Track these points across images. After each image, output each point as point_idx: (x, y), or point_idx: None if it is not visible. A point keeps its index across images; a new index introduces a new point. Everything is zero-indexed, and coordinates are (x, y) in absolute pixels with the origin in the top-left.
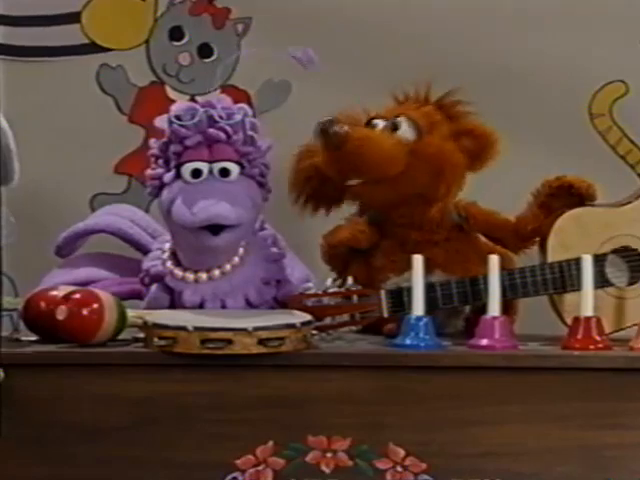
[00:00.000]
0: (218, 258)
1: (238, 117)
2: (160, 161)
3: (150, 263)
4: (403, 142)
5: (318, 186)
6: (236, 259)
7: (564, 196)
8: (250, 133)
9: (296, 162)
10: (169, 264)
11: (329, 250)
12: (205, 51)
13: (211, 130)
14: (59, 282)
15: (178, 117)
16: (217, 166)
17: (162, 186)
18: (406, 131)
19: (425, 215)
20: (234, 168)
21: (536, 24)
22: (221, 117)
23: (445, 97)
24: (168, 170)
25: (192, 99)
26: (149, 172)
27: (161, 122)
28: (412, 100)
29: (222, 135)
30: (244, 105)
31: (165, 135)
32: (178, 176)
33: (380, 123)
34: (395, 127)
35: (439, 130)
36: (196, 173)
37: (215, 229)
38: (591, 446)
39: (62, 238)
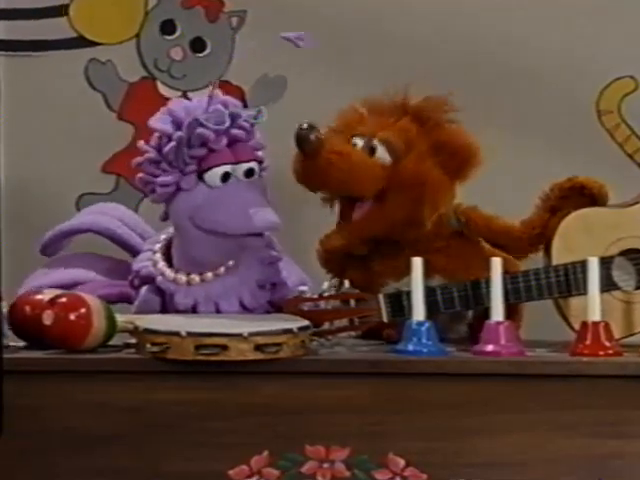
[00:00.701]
0: (228, 254)
1: (251, 113)
2: (163, 164)
3: (140, 264)
4: (380, 165)
5: None
6: (230, 261)
7: (575, 198)
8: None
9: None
10: (160, 265)
11: (326, 254)
12: (198, 45)
13: (235, 130)
14: (43, 283)
15: (198, 120)
16: (242, 167)
17: (176, 192)
18: (382, 155)
19: (417, 233)
20: (257, 168)
21: (541, 19)
22: (240, 115)
23: (422, 105)
24: (182, 174)
25: (184, 95)
26: (162, 179)
27: (161, 124)
28: (389, 110)
29: (244, 135)
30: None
31: (171, 138)
32: (198, 181)
33: (359, 142)
34: (372, 150)
35: (417, 148)
36: (225, 177)
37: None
38: (599, 456)
39: (47, 237)
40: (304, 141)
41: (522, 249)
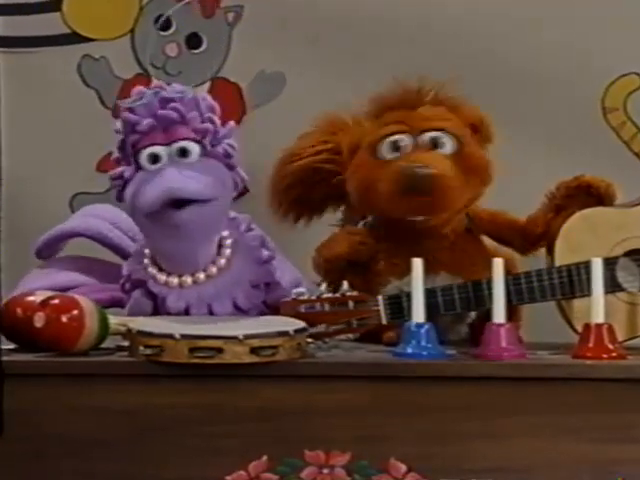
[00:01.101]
0: (192, 245)
1: (189, 95)
2: (122, 162)
3: (131, 268)
4: (448, 160)
5: (302, 193)
6: (222, 261)
7: (582, 197)
8: (208, 114)
9: (279, 168)
10: (151, 268)
11: (325, 264)
12: (194, 41)
13: (163, 111)
14: (36, 287)
15: (127, 103)
16: (175, 147)
17: (125, 185)
18: (447, 146)
19: (448, 223)
20: (193, 147)
21: (545, 14)
22: (172, 97)
23: (444, 91)
24: (128, 165)
25: None
26: (109, 174)
27: (118, 122)
28: (417, 100)
29: (175, 115)
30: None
31: (120, 132)
32: (138, 169)
33: (406, 139)
34: (435, 144)
35: (465, 133)
36: (154, 158)
37: (179, 206)
38: (603, 461)
39: (42, 241)
40: (418, 179)
41: (527, 245)
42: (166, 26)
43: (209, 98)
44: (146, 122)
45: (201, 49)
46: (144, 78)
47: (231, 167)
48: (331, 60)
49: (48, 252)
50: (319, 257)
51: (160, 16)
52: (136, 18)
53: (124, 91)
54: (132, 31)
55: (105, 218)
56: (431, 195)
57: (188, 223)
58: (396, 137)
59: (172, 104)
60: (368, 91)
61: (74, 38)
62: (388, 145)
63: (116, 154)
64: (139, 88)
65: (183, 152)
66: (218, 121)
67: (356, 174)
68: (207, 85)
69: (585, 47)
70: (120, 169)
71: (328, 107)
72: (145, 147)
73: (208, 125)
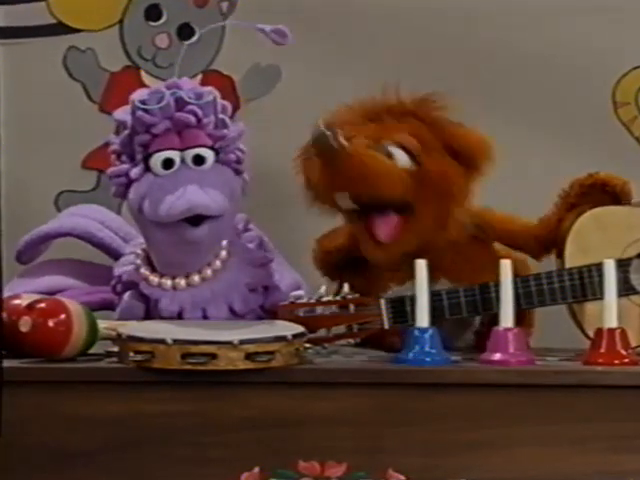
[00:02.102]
0: (199, 256)
1: (209, 98)
2: (124, 157)
3: (122, 269)
4: (404, 170)
5: None
6: (218, 263)
7: (596, 195)
8: (222, 116)
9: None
10: (143, 270)
11: (324, 256)
12: (185, 32)
13: (180, 114)
14: (22, 291)
15: (143, 102)
16: (190, 153)
17: (129, 184)
18: (402, 159)
19: (444, 239)
20: (209, 155)
21: (553, 6)
22: (190, 98)
23: (423, 103)
24: (134, 165)
25: None
26: (112, 170)
27: (122, 114)
28: (383, 112)
29: (192, 119)
30: (212, 88)
31: (127, 127)
32: (146, 170)
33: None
34: (388, 155)
35: (433, 148)
36: (167, 163)
37: (195, 221)
38: (615, 472)
39: (23, 242)
40: (328, 146)
41: (541, 250)
42: (157, 16)
43: (219, 97)
44: (162, 125)
45: (193, 40)
46: (132, 71)
47: (239, 172)
48: (329, 53)
49: (30, 255)
50: (319, 248)
51: (150, 6)
52: (125, 8)
53: (111, 84)
54: (121, 22)
55: (93, 218)
56: (341, 158)
57: (202, 239)
58: None
59: (189, 107)
60: (366, 84)
61: (60, 29)
62: None
63: (116, 146)
64: (156, 87)
65: (198, 160)
66: (229, 123)
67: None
68: (199, 78)
69: (594, 40)
70: (124, 167)
71: (325, 102)
72: (159, 150)
73: (223, 131)
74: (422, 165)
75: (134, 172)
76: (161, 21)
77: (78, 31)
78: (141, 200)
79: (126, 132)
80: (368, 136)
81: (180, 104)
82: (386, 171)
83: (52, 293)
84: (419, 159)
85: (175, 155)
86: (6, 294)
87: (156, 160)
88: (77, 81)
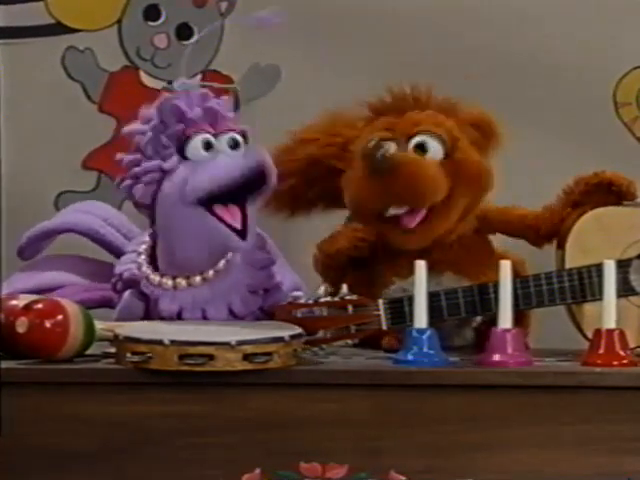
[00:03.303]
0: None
1: (225, 97)
2: (149, 153)
3: (123, 267)
4: (438, 164)
5: (301, 185)
6: (220, 263)
7: (601, 194)
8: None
9: (281, 154)
10: (144, 268)
11: (325, 260)
12: (184, 32)
13: (209, 103)
14: (21, 287)
15: (167, 97)
16: (225, 137)
17: (161, 178)
18: (436, 151)
19: (465, 228)
20: (241, 140)
21: (554, 7)
22: (210, 95)
23: (438, 96)
24: (164, 158)
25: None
26: (139, 169)
27: (134, 126)
28: (402, 105)
29: (221, 108)
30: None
31: (141, 134)
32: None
33: (392, 145)
34: (424, 149)
35: (459, 138)
36: (207, 146)
37: (248, 188)
38: (613, 473)
39: (26, 238)
40: (378, 158)
41: (541, 238)
42: (155, 16)
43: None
44: (197, 111)
45: (191, 40)
46: (131, 71)
47: None
48: (329, 54)
49: (32, 250)
50: (320, 253)
51: (149, 6)
52: (123, 8)
53: (110, 84)
54: (119, 22)
55: (96, 214)
56: (395, 175)
57: (242, 249)
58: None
59: (214, 99)
60: (366, 87)
61: (58, 29)
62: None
63: (133, 158)
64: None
65: (234, 143)
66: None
67: (350, 185)
68: (198, 78)
69: (595, 39)
70: (153, 162)
71: (325, 103)
72: (196, 134)
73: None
74: (453, 155)
75: (168, 164)
76: (160, 21)
77: (77, 31)
78: (182, 185)
79: (149, 135)
80: (399, 129)
81: (205, 97)
82: (433, 178)
83: (52, 289)
84: (450, 149)
85: (212, 139)
86: (6, 288)
87: (195, 144)
88: (76, 81)
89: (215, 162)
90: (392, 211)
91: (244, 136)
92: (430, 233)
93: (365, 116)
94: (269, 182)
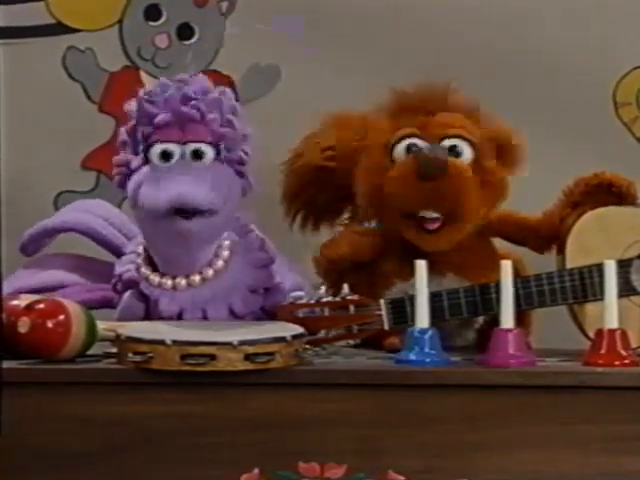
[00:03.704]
0: (192, 253)
1: (214, 95)
2: (127, 147)
3: (123, 268)
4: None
5: (307, 194)
6: (219, 263)
7: (601, 195)
8: (228, 116)
9: (285, 171)
10: (144, 269)
11: (328, 265)
12: (185, 32)
13: (183, 108)
14: (23, 285)
15: (148, 94)
16: (189, 148)
17: (130, 174)
18: (467, 156)
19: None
20: (208, 151)
21: (554, 7)
22: (195, 94)
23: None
24: (136, 155)
25: None
26: (115, 159)
27: (131, 106)
28: (437, 104)
29: (195, 114)
30: (226, 88)
31: (132, 118)
32: (146, 161)
33: (419, 143)
34: (455, 152)
35: (484, 145)
36: (165, 155)
37: (187, 215)
38: (614, 473)
39: (27, 235)
40: (431, 159)
41: (542, 243)
42: (156, 16)
43: (232, 98)
44: (164, 117)
45: (192, 40)
46: (132, 71)
47: (242, 174)
48: (329, 53)
49: (33, 248)
50: (322, 257)
51: (150, 6)
52: (124, 8)
53: (111, 84)
54: (120, 22)
55: (97, 214)
56: (445, 183)
57: (194, 234)
58: (414, 141)
59: (194, 102)
60: (367, 84)
61: (59, 28)
62: (404, 148)
63: (124, 137)
64: (163, 79)
65: (197, 154)
66: (238, 124)
67: (368, 175)
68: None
69: (595, 39)
70: (127, 157)
71: (325, 103)
72: (158, 142)
73: (227, 130)
74: (481, 160)
75: (134, 162)
76: (160, 21)
77: (77, 31)
78: (137, 190)
79: (131, 123)
80: (430, 129)
81: (185, 99)
82: (478, 198)
83: (55, 287)
84: (479, 155)
85: (175, 148)
86: (8, 285)
87: (155, 151)
88: (76, 81)
89: (158, 185)
90: (425, 213)
91: (217, 147)
92: (455, 236)
93: (384, 109)
94: (200, 208)
